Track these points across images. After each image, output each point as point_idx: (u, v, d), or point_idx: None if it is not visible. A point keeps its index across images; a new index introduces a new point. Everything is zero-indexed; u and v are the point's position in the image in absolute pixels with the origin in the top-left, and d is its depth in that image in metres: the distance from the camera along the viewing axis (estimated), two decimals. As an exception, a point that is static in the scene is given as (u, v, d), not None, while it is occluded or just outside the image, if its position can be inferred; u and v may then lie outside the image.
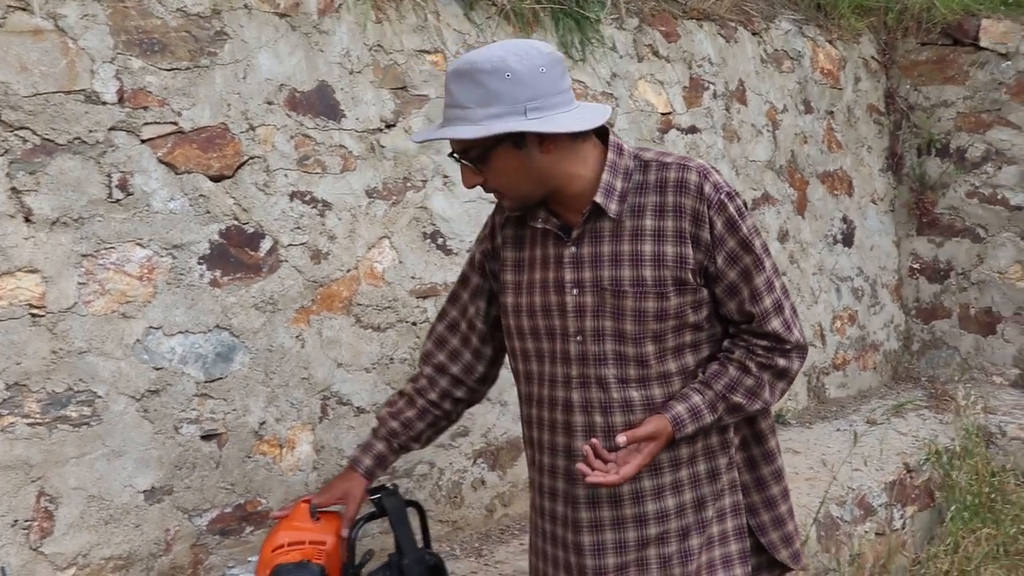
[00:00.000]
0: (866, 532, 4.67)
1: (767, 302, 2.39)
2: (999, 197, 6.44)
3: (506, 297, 2.53)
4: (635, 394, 2.38)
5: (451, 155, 2.39)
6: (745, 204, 2.42)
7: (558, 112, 2.26)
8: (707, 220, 2.33)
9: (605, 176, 2.36)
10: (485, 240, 2.64)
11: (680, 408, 2.36)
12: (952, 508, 5.08)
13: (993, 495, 5.13)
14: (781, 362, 2.43)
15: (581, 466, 2.26)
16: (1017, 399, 6.16)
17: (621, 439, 2.27)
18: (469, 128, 2.24)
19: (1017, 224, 6.37)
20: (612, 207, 2.35)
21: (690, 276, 2.34)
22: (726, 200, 2.35)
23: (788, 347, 2.43)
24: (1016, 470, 5.32)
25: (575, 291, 2.38)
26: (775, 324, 2.40)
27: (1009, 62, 6.37)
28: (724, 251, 2.35)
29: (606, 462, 2.28)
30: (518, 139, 2.26)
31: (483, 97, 2.23)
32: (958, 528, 4.90)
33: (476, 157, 2.31)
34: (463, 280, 2.71)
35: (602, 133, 2.42)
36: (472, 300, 2.68)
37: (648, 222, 2.35)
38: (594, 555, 2.45)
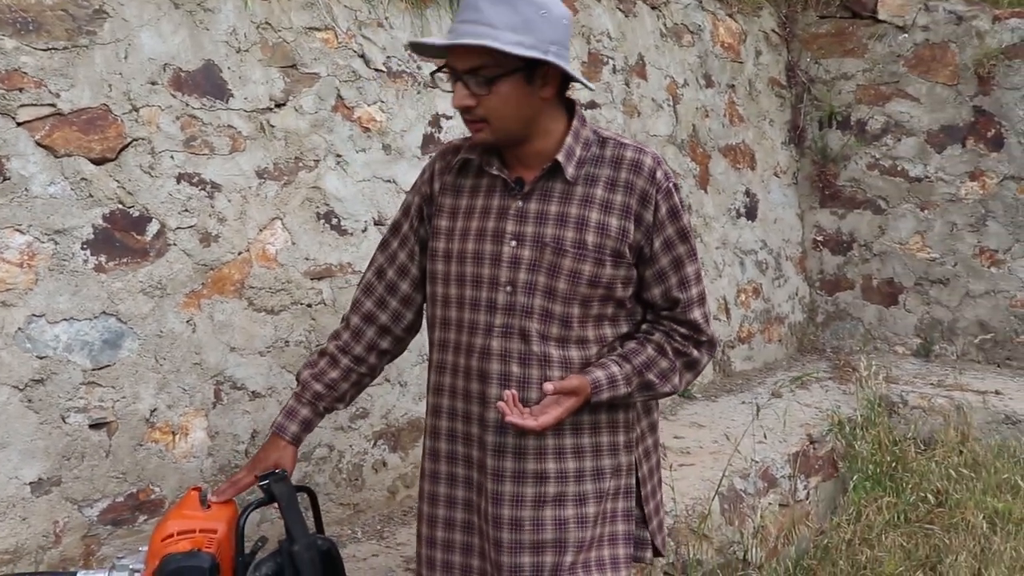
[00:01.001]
0: (770, 504, 4.72)
1: (694, 291, 2.50)
2: (899, 169, 6.55)
3: (437, 242, 2.55)
4: (554, 351, 2.43)
5: (440, 69, 2.42)
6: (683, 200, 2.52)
7: (568, 65, 2.36)
8: (653, 202, 2.43)
9: (568, 140, 2.44)
10: (423, 185, 2.65)
11: (600, 374, 2.41)
12: (855, 478, 5.17)
13: (894, 464, 5.22)
14: (695, 352, 2.53)
15: (501, 404, 2.29)
16: (918, 368, 6.29)
17: (549, 387, 2.33)
18: (508, 40, 2.26)
19: (917, 195, 6.49)
20: (570, 170, 2.42)
21: (627, 251, 2.42)
22: (673, 189, 2.46)
23: (703, 339, 2.54)
24: (917, 439, 5.41)
25: (514, 243, 2.42)
26: (697, 314, 2.51)
27: (906, 35, 6.47)
28: (663, 236, 2.45)
29: (523, 415, 2.33)
30: (529, 75, 2.33)
31: (518, 24, 2.27)
32: (860, 497, 4.99)
33: (487, 79, 2.31)
34: (394, 227, 2.71)
35: (566, 103, 2.50)
36: (401, 246, 2.68)
37: (599, 192, 2.43)
38: (493, 503, 2.47)
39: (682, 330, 2.51)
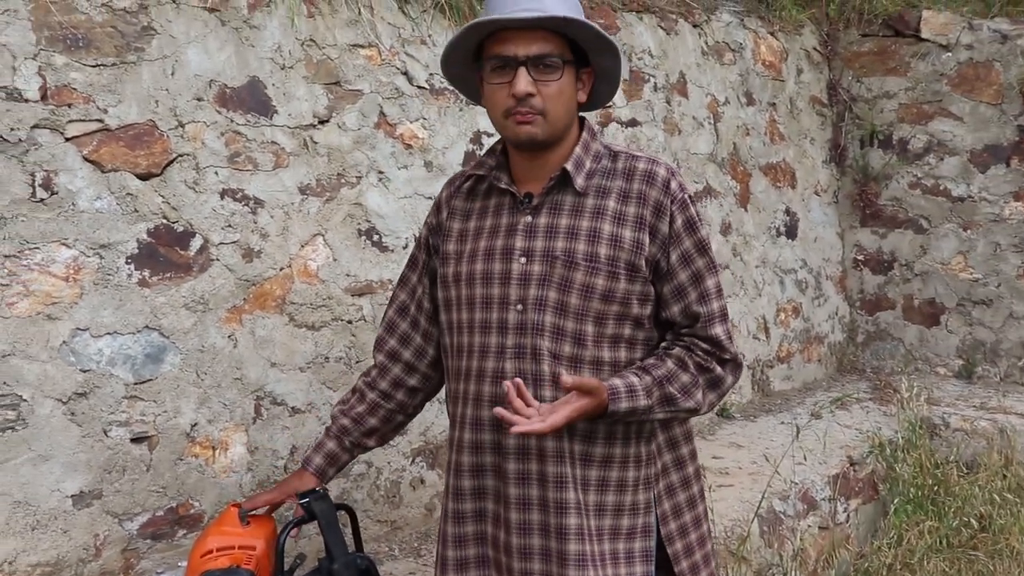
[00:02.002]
0: (809, 526, 4.68)
1: (715, 305, 2.41)
2: (941, 188, 6.49)
3: (446, 267, 2.50)
4: (565, 372, 2.32)
5: (498, 58, 2.31)
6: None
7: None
8: (668, 213, 2.36)
9: (577, 150, 2.40)
10: (431, 216, 2.62)
11: (618, 382, 2.30)
12: (896, 501, 5.10)
13: (936, 487, 5.15)
14: (718, 369, 2.42)
15: (500, 410, 2.20)
16: (960, 390, 6.21)
17: (567, 377, 2.21)
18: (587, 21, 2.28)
19: (959, 215, 6.42)
20: (579, 180, 2.37)
21: (643, 264, 2.34)
22: (688, 201, 2.39)
23: (727, 357, 2.43)
24: (959, 462, 5.34)
25: (523, 259, 2.36)
26: (719, 330, 2.41)
27: (950, 53, 6.41)
28: (680, 249, 2.37)
29: (528, 407, 2.23)
30: (578, 71, 2.35)
31: (574, 7, 2.31)
32: (901, 521, 4.93)
33: (552, 65, 2.29)
34: (412, 261, 2.68)
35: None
36: (420, 280, 2.64)
37: (611, 204, 2.36)
38: (518, 533, 2.39)
39: (704, 346, 2.40)
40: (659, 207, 2.35)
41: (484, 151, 2.55)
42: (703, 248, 2.40)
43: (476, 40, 2.36)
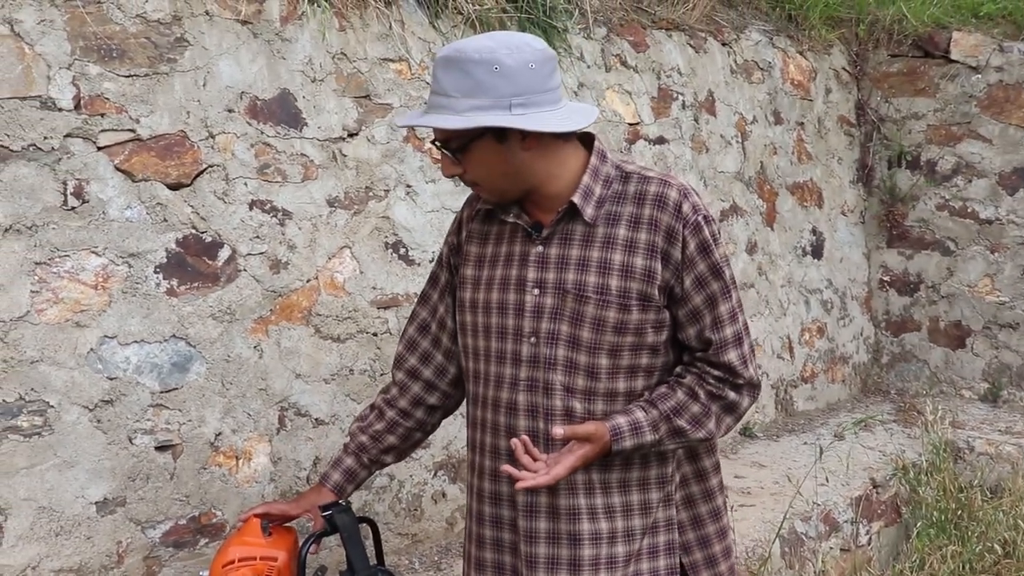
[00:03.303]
0: (831, 548, 4.66)
1: (728, 331, 2.35)
2: (969, 210, 6.46)
3: (464, 292, 2.49)
4: (578, 405, 2.33)
5: (433, 143, 2.37)
6: (719, 231, 2.39)
7: (543, 110, 2.24)
8: (680, 238, 2.29)
9: (585, 179, 2.34)
10: (452, 235, 2.59)
11: (621, 420, 2.29)
12: (918, 524, 5.07)
13: (960, 512, 5.11)
14: (732, 395, 2.38)
15: (508, 468, 2.22)
16: (985, 414, 6.17)
17: (558, 431, 2.22)
18: (451, 118, 2.21)
19: (987, 237, 6.39)
20: (588, 211, 2.32)
21: (656, 292, 2.30)
22: (703, 222, 2.32)
23: (741, 382, 2.39)
24: (983, 486, 5.30)
25: (536, 291, 2.34)
26: (732, 356, 2.36)
27: (979, 75, 6.39)
28: (693, 273, 2.31)
29: (536, 461, 2.24)
30: (500, 133, 2.24)
31: (469, 88, 2.19)
32: (924, 545, 4.89)
33: (457, 148, 2.27)
34: (433, 279, 2.66)
35: (587, 137, 2.41)
36: (441, 298, 2.62)
37: (621, 231, 2.31)
38: (527, 566, 2.40)
39: (716, 372, 2.35)
40: (671, 232, 2.29)
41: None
42: (718, 271, 2.33)
43: None
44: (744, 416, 2.47)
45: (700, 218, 2.31)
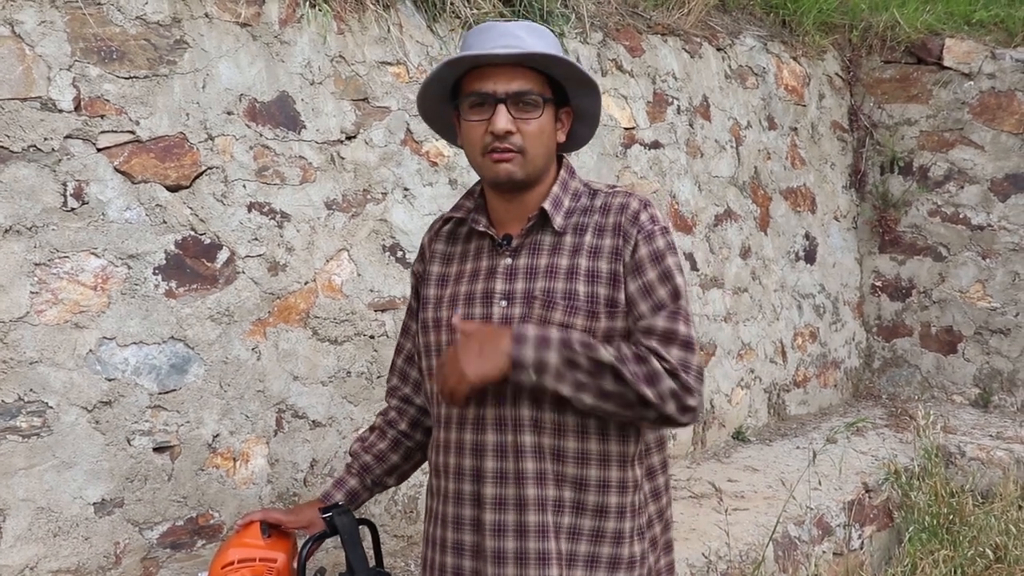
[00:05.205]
0: (824, 552, 4.67)
1: (660, 323, 2.22)
2: (961, 216, 6.49)
3: (426, 312, 2.44)
4: (547, 414, 2.25)
5: (476, 95, 2.25)
6: (675, 248, 2.31)
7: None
8: (633, 242, 2.26)
9: (555, 189, 2.34)
10: (416, 263, 2.56)
11: (530, 329, 2.19)
12: (910, 529, 5.09)
13: (951, 516, 5.13)
14: (655, 364, 2.17)
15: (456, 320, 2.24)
16: (976, 419, 6.20)
17: (456, 319, 2.23)
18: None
19: (978, 243, 6.42)
20: (558, 219, 2.31)
21: (622, 298, 2.25)
22: (658, 233, 2.28)
23: (666, 366, 2.19)
24: (975, 491, 5.33)
25: (504, 303, 2.29)
26: (658, 343, 2.21)
27: (972, 82, 6.43)
28: (641, 280, 2.25)
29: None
30: (557, 111, 2.30)
31: (553, 44, 2.27)
32: (916, 549, 4.91)
33: (532, 103, 2.24)
34: (409, 311, 2.61)
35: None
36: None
37: (587, 239, 2.30)
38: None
39: (645, 344, 2.20)
40: (626, 236, 2.26)
41: (464, 193, 2.49)
42: (666, 277, 2.25)
43: (454, 77, 2.31)
44: (680, 419, 2.23)
45: (656, 228, 2.29)
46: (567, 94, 2.34)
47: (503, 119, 2.21)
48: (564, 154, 2.44)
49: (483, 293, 2.33)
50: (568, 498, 2.28)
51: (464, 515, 2.35)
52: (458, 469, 2.35)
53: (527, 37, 2.23)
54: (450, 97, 2.36)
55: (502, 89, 2.22)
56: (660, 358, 2.19)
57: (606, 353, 2.17)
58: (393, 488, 3.73)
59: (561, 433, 2.27)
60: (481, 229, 2.37)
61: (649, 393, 2.17)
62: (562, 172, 2.38)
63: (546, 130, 2.27)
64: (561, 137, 2.35)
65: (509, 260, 2.32)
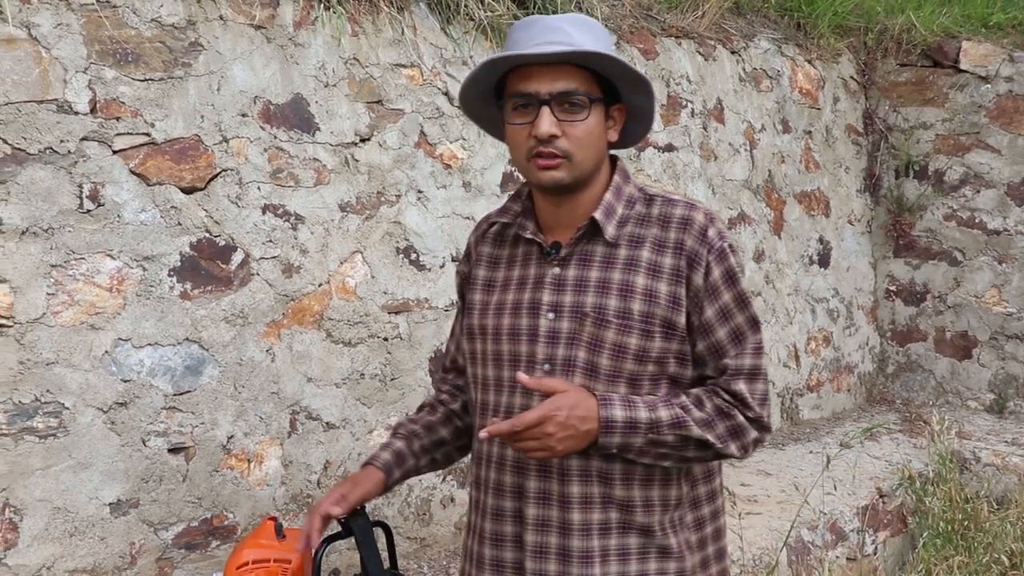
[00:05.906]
0: (837, 557, 4.66)
1: (747, 362, 2.17)
2: (977, 221, 6.46)
3: (471, 318, 2.30)
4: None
5: (519, 96, 2.12)
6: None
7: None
8: (704, 263, 2.14)
9: (608, 196, 2.19)
10: (462, 264, 2.44)
11: (618, 411, 2.07)
12: (924, 535, 5.06)
13: (966, 522, 5.10)
14: (740, 418, 2.14)
15: (489, 427, 2.02)
16: (991, 424, 6.17)
17: (523, 376, 2.04)
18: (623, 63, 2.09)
19: (994, 248, 6.39)
20: (610, 229, 2.16)
21: (682, 320, 2.13)
22: (728, 250, 2.17)
23: (751, 414, 2.15)
24: (990, 497, 5.29)
25: (551, 315, 2.15)
26: (743, 387, 2.16)
27: (989, 85, 6.40)
28: (717, 304, 2.15)
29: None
30: (608, 108, 2.15)
31: (604, 40, 2.14)
32: (930, 555, 4.88)
33: (578, 103, 2.08)
34: (458, 311, 2.48)
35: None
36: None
37: (645, 254, 2.15)
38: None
39: (727, 396, 2.14)
40: (694, 256, 2.13)
41: (511, 195, 2.37)
42: (743, 303, 2.18)
43: (495, 77, 2.19)
44: (748, 457, 2.23)
45: (726, 244, 2.17)
46: (618, 90, 2.19)
47: (546, 122, 2.07)
48: (617, 154, 2.30)
49: (530, 303, 2.20)
50: (615, 519, 2.18)
51: (505, 532, 2.25)
52: (498, 485, 2.24)
53: (574, 32, 2.09)
54: (494, 96, 2.24)
55: (545, 89, 2.08)
56: (745, 406, 2.14)
57: (696, 429, 2.10)
58: (406, 490, 3.75)
59: (607, 456, 2.16)
60: (528, 236, 2.24)
61: (733, 449, 2.15)
62: (616, 177, 2.23)
63: (594, 131, 2.12)
64: (613, 136, 2.19)
65: (558, 270, 2.19)
